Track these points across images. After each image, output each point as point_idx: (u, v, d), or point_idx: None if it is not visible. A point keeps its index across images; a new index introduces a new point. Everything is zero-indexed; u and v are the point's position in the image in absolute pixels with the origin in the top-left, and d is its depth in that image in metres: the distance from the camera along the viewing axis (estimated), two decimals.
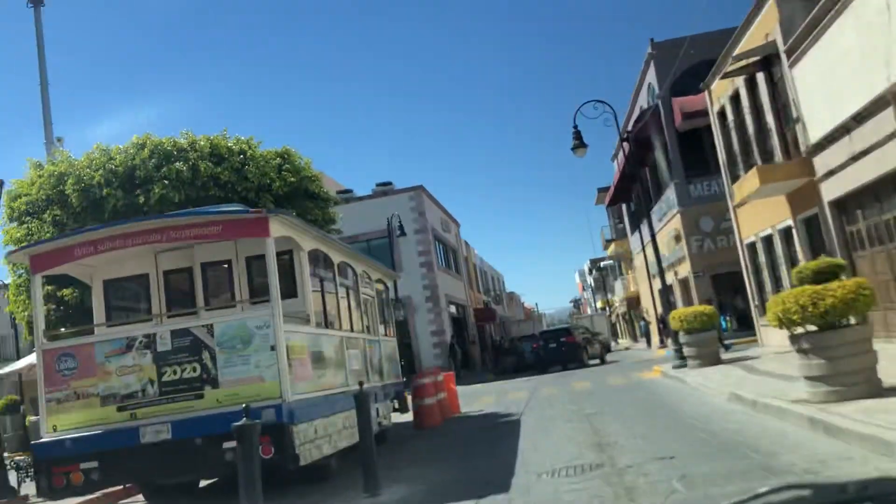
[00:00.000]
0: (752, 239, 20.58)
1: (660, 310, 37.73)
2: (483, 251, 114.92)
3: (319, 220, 15.26)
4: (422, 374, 15.21)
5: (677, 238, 33.21)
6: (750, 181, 16.13)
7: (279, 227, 8.63)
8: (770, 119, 17.07)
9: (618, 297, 62.64)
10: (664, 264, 37.62)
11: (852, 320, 8.56)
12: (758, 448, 7.52)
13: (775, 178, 15.54)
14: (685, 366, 18.06)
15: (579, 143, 19.15)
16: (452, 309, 37.91)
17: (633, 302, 53.69)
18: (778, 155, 16.80)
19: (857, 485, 1.45)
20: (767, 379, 12.89)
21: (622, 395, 15.38)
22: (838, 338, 8.31)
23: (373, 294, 13.02)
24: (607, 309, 77.46)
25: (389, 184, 35.31)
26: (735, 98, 19.77)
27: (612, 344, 68.31)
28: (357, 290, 11.98)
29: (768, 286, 20.04)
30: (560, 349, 31.21)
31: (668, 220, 34.41)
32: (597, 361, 32.65)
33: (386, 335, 13.80)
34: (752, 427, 8.77)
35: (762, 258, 20.12)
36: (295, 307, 9.22)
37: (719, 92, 21.02)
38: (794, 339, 8.77)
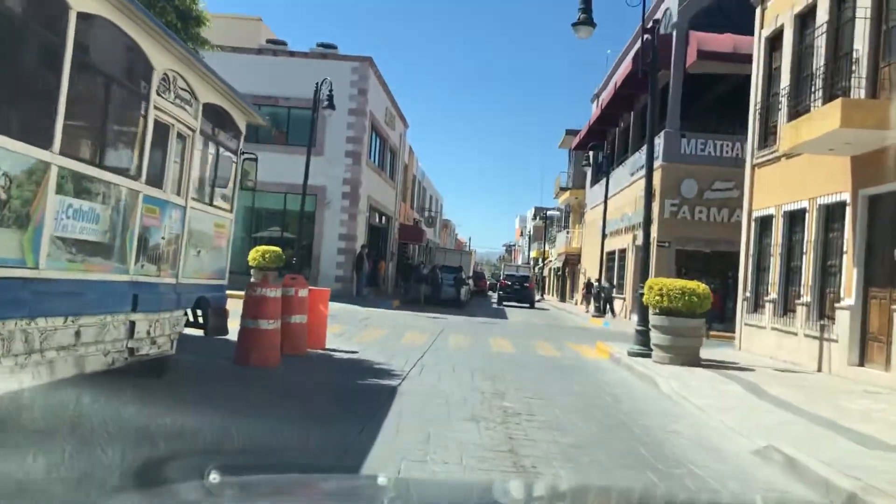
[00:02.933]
0: (769, 212, 15.50)
1: (604, 272, 33.00)
2: (428, 171, 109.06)
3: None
4: (265, 280, 9.70)
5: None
6: (824, 119, 10.82)
7: None
8: (864, 45, 11.72)
9: (556, 250, 58.01)
10: (624, 224, 32.71)
11: None
12: None
13: (864, 120, 10.28)
14: (648, 356, 13.04)
15: (586, 18, 13.48)
16: (376, 217, 32.34)
17: (573, 259, 49.06)
18: (861, 96, 11.54)
19: None
20: (805, 422, 7.84)
21: (561, 384, 10.22)
22: None
23: (193, 124, 7.30)
24: (540, 261, 73.15)
25: (334, 47, 28.92)
26: (805, 15, 14.34)
27: (537, 297, 64.22)
28: (145, 100, 6.27)
29: (773, 276, 15.08)
30: (522, 290, 40.30)
31: (643, 175, 29.30)
32: (526, 305, 38.93)
33: (211, 203, 8.16)
34: None
35: (776, 239, 15.08)
36: None
37: (779, 8, 15.55)
38: None
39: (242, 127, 8.77)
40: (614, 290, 30.35)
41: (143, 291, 6.36)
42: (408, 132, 40.18)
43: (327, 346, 11.83)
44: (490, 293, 55.38)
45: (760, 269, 16.08)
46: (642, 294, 13.38)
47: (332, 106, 23.37)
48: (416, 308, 25.94)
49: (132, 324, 6.27)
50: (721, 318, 22.64)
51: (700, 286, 12.64)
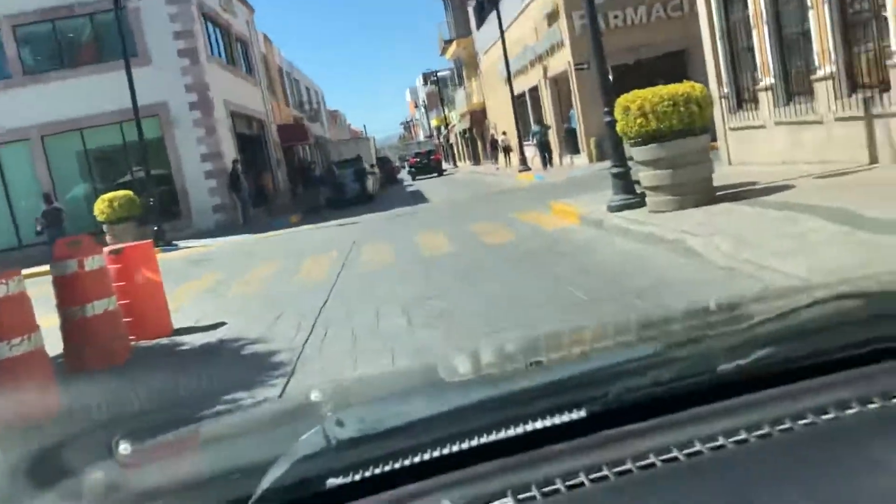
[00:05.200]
0: None
1: (520, 118, 28.88)
2: (303, 67, 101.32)
3: None
4: None
5: (551, 16, 23.85)
6: None
7: None
8: None
9: (458, 111, 53.39)
10: (529, 58, 28.11)
11: None
12: None
13: None
14: (640, 205, 9.22)
15: None
16: (244, 124, 27.09)
17: (478, 116, 44.76)
18: None
19: None
20: None
21: (554, 300, 6.24)
22: None
23: None
24: (443, 128, 68.74)
25: None
26: None
27: (450, 167, 60.35)
28: None
29: (761, 55, 11.21)
30: (430, 163, 45.89)
31: None
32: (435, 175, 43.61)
33: None
34: None
35: (755, 6, 11.11)
36: None
37: None
38: None
39: None
40: (549, 131, 25.79)
41: None
42: (257, 18, 34.25)
43: (177, 327, 7.53)
44: (401, 177, 51.39)
45: (736, 54, 12.20)
46: (610, 120, 9.36)
47: None
48: (319, 218, 21.52)
49: None
50: None
51: (696, 87, 8.67)
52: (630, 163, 9.52)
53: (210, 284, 10.62)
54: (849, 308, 1.21)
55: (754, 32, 11.23)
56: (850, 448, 0.73)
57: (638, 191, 9.45)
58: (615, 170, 9.58)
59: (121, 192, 19.49)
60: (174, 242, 18.51)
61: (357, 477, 0.83)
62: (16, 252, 20.43)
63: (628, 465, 0.75)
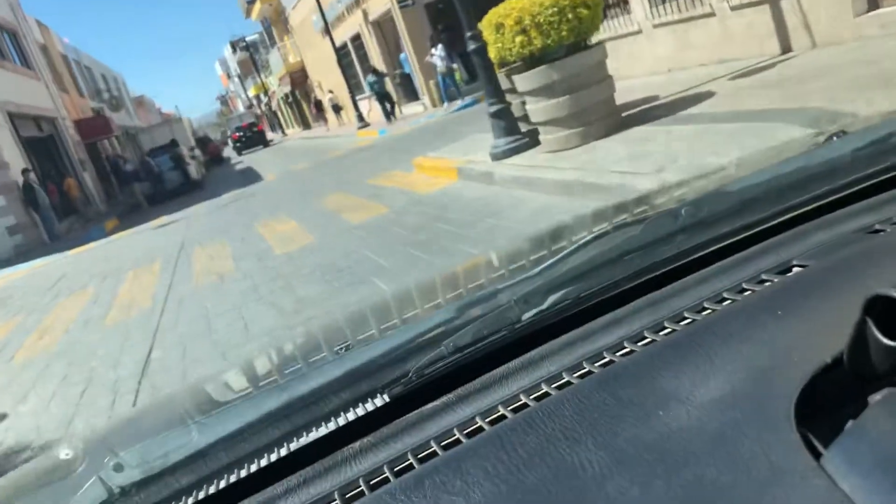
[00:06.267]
0: None
1: (346, 70, 26.46)
2: (95, 53, 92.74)
3: None
4: None
5: None
6: None
7: None
8: None
9: (277, 75, 49.77)
10: (343, 5, 25.86)
11: None
12: None
13: None
14: (532, 145, 7.46)
15: None
16: (31, 126, 23.09)
17: (298, 76, 41.70)
18: None
19: None
20: None
21: None
22: None
23: None
24: (262, 96, 64.87)
25: None
26: None
27: (277, 135, 57.17)
28: None
29: None
30: (254, 136, 44.10)
31: None
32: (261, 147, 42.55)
33: None
34: None
35: None
36: None
37: None
38: None
39: None
40: (386, 79, 22.74)
41: None
42: (26, 4, 29.48)
43: None
44: (227, 155, 47.85)
45: None
46: (478, 45, 7.47)
47: None
48: (139, 219, 18.52)
49: None
50: None
51: None
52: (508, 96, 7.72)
53: None
54: (629, 235, 1.06)
55: None
56: (641, 385, 0.67)
57: (524, 129, 7.69)
58: (494, 107, 7.71)
59: None
60: None
61: None
62: None
63: (433, 448, 0.71)
